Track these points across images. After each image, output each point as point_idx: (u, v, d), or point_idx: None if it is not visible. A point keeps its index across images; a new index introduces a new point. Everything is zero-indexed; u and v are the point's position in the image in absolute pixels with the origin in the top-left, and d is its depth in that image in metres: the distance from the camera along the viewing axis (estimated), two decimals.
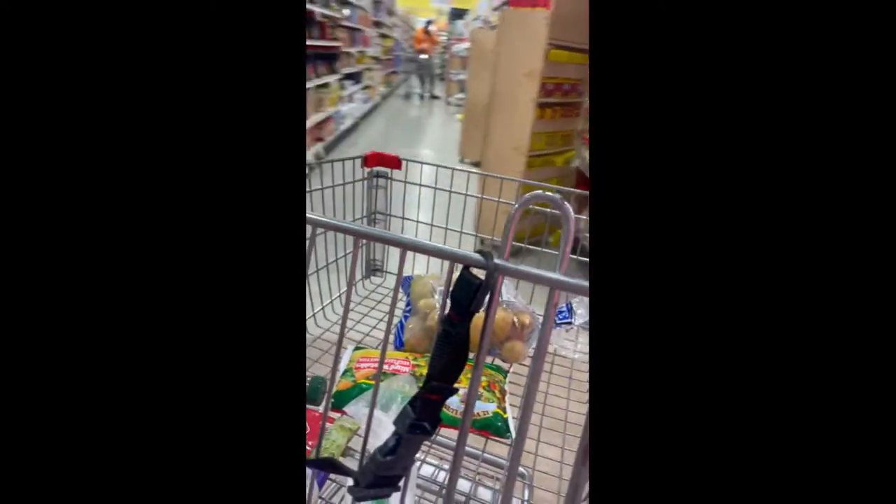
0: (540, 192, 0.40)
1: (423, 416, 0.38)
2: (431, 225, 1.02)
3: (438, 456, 0.95)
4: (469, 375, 0.44)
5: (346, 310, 0.44)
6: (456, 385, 0.39)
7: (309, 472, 0.62)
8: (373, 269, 1.14)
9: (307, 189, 0.95)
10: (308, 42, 3.83)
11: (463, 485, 0.89)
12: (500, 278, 0.38)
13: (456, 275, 0.38)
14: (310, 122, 4.01)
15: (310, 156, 3.35)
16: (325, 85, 4.60)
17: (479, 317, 0.39)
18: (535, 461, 0.66)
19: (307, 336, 0.90)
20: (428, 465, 0.83)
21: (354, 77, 6.39)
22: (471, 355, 0.41)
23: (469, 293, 0.36)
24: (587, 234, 0.80)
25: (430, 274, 0.98)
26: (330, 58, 4.92)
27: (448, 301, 0.38)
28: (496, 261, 0.37)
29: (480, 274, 0.37)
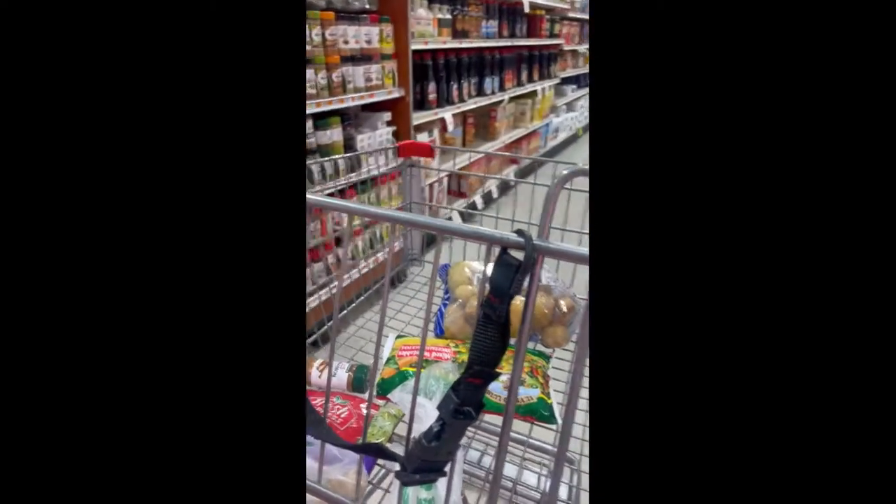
0: (579, 167, 0.38)
1: (466, 401, 0.38)
2: (466, 211, 1.01)
3: (484, 441, 0.95)
4: (511, 361, 0.44)
5: (385, 299, 0.44)
6: (498, 370, 0.38)
7: (357, 456, 0.63)
8: (410, 258, 1.14)
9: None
10: (505, 43, 2.94)
11: (509, 469, 0.89)
12: (539, 259, 0.36)
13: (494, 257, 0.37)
14: (498, 143, 3.08)
15: (455, 215, 2.22)
16: (530, 94, 3.55)
17: (519, 302, 0.38)
18: (582, 446, 0.64)
19: (351, 326, 0.92)
20: (474, 451, 0.84)
21: (580, 80, 5.08)
22: (512, 341, 0.40)
23: (508, 275, 0.35)
24: None
25: (467, 261, 0.97)
26: (542, 59, 3.73)
27: (487, 284, 0.37)
28: (535, 241, 0.36)
29: (520, 256, 0.36)
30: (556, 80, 4.18)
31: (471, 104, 2.66)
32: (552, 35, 3.92)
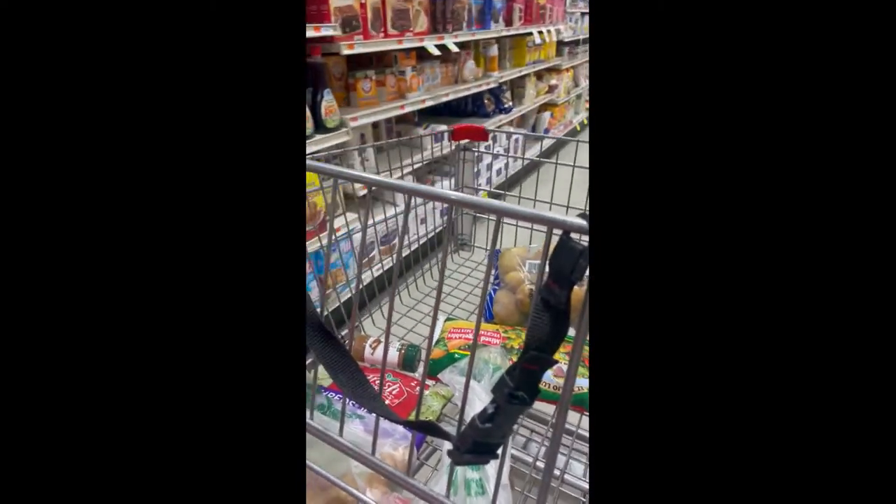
0: None
1: (520, 386, 0.37)
2: (517, 196, 0.99)
3: (529, 428, 0.94)
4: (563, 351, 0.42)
5: (442, 277, 0.45)
6: (555, 358, 0.37)
7: (406, 433, 0.65)
8: (460, 243, 1.14)
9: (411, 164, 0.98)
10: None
11: (557, 459, 0.88)
12: None
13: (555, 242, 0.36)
14: None
15: None
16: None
17: (578, 289, 0.37)
18: None
19: (402, 306, 0.94)
20: (520, 437, 0.83)
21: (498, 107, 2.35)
22: (570, 332, 0.39)
23: (570, 261, 0.34)
24: None
25: (519, 247, 0.96)
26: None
27: (547, 269, 0.36)
28: None
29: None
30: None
31: None
32: (352, 27, 1.50)
